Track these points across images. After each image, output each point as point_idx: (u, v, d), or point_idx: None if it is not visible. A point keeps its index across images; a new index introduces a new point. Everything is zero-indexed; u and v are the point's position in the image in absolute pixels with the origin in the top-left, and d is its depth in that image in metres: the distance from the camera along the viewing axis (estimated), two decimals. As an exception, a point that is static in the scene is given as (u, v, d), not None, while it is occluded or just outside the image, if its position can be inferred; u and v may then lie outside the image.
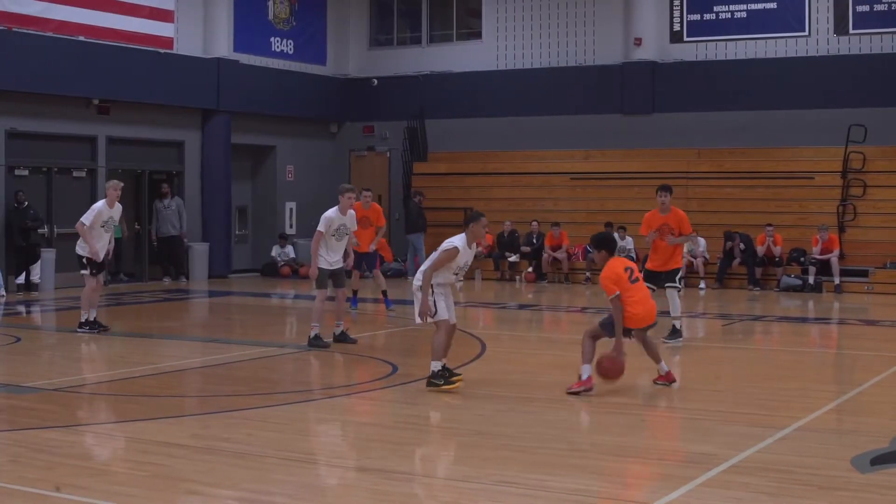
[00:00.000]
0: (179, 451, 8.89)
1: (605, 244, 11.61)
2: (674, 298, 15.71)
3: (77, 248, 16.89)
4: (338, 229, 15.01)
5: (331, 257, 15.11)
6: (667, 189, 15.92)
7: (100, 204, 16.80)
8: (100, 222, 16.65)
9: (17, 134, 24.37)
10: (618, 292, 11.27)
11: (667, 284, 15.69)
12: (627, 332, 11.55)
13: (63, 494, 7.62)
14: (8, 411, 10.75)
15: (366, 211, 20.25)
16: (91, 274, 16.68)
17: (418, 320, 11.74)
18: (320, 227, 14.95)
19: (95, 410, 11.46)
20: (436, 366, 11.66)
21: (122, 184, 17.48)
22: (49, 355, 15.12)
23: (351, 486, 8.09)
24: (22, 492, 7.72)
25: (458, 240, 11.69)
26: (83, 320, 16.72)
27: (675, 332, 15.74)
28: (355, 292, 20.71)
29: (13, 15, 23.97)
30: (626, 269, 11.49)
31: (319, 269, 14.97)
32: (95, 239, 16.57)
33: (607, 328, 11.49)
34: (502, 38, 30.75)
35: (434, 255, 11.67)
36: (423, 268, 11.70)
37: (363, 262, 20.23)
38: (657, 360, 11.89)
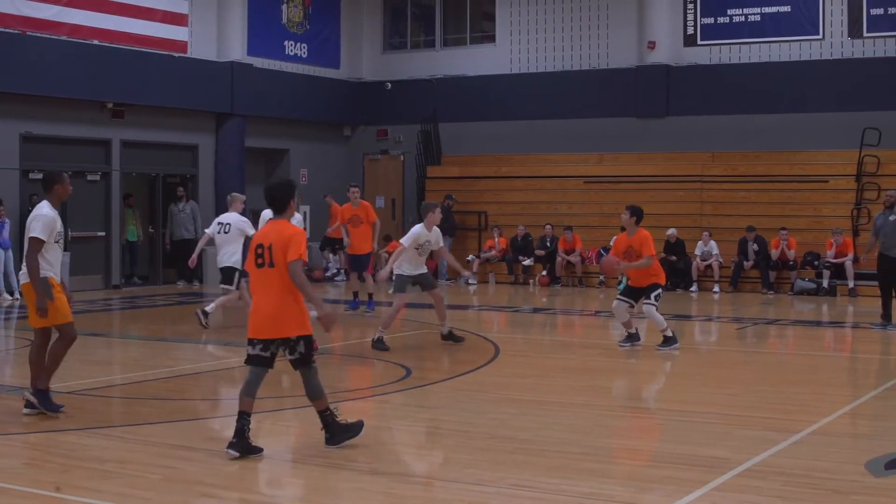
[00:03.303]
0: (194, 454, 8.91)
1: None
2: (652, 314, 14.96)
3: (227, 259, 18.64)
4: (422, 245, 15.19)
5: (414, 268, 15.28)
6: (628, 209, 15.30)
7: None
8: None
9: (32, 137, 24.42)
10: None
11: (643, 300, 15.00)
12: None
13: (77, 497, 7.64)
14: (23, 414, 10.76)
15: (355, 209, 20.30)
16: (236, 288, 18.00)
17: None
18: (405, 242, 15.12)
19: (110, 413, 11.49)
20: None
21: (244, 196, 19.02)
22: (64, 358, 15.10)
23: (363, 490, 8.08)
24: (36, 494, 7.75)
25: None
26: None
27: (667, 340, 15.04)
28: (356, 294, 20.77)
29: (27, 19, 24.02)
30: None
31: (399, 275, 15.20)
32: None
33: None
34: (516, 41, 30.74)
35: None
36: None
37: (358, 263, 20.35)
38: None
